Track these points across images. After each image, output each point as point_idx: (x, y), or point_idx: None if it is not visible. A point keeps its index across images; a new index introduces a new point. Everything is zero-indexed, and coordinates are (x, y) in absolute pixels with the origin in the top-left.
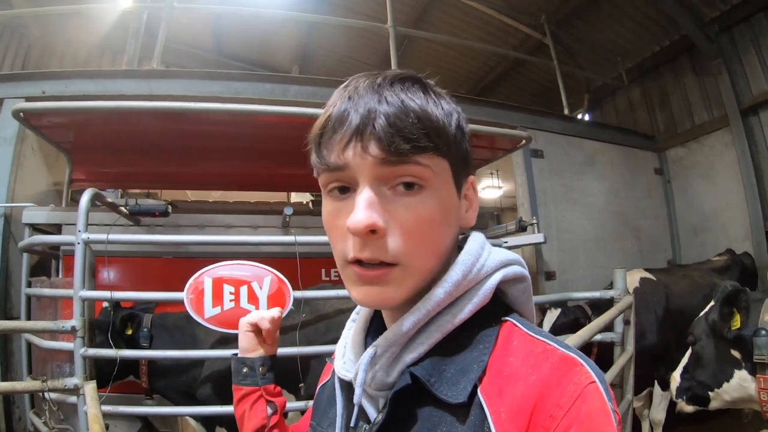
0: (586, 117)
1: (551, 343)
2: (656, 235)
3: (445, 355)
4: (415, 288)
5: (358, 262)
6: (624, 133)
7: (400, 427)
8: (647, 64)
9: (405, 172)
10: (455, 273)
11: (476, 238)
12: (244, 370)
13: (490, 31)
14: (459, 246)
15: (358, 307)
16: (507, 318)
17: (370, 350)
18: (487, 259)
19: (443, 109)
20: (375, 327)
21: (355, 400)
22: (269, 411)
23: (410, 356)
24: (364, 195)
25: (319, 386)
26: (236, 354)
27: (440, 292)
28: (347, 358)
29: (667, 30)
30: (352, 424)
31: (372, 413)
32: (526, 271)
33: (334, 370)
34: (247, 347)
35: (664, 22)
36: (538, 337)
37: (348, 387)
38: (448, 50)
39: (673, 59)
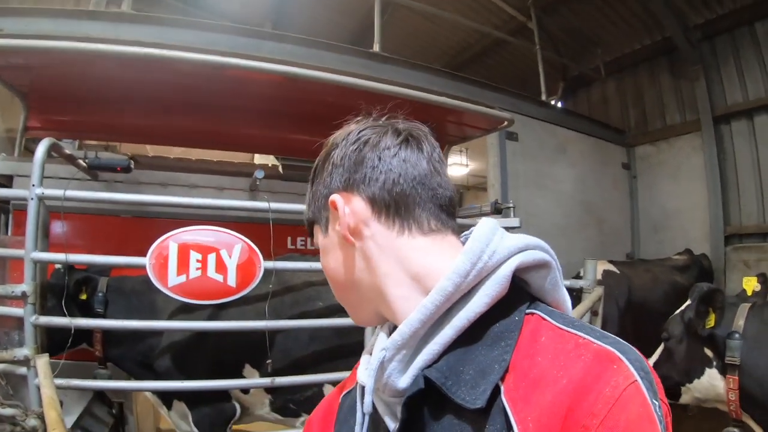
0: (559, 104)
1: (584, 335)
2: (618, 227)
3: (462, 354)
4: (354, 314)
5: None
6: (596, 125)
7: None
8: (626, 60)
9: None
10: (461, 262)
11: (485, 224)
12: None
13: (474, 8)
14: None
15: None
16: (532, 310)
17: (378, 354)
18: (498, 245)
19: (312, 181)
20: None
21: (365, 409)
22: None
23: (424, 358)
24: None
25: (342, 394)
26: None
27: (447, 284)
28: (370, 362)
29: (650, 29)
30: None
31: (390, 423)
32: (547, 257)
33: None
34: None
35: (650, 21)
36: (569, 329)
37: None
38: (428, 22)
39: (652, 58)
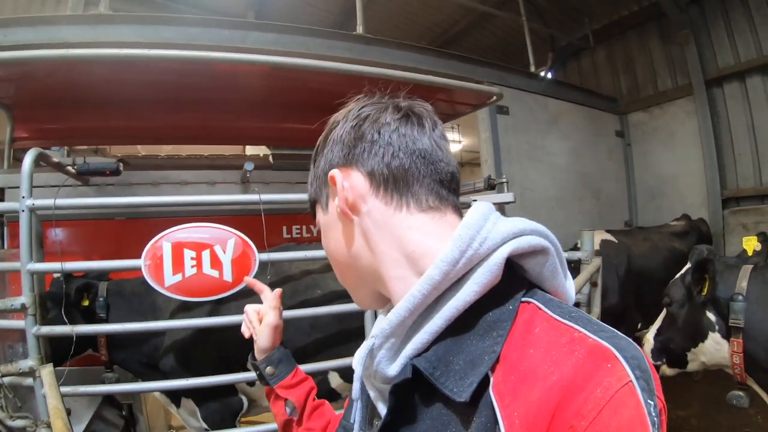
0: (549, 75)
1: (581, 329)
2: (615, 196)
3: (453, 344)
4: (355, 295)
5: None
6: (588, 94)
7: (408, 424)
8: (614, 28)
9: None
10: (450, 250)
11: (477, 209)
12: (258, 373)
13: None
14: None
15: None
16: (528, 299)
17: (368, 342)
18: (490, 232)
19: (314, 160)
20: None
21: (353, 395)
22: (287, 410)
23: (413, 347)
24: None
25: None
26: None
27: (434, 272)
28: (359, 349)
29: None
30: (357, 419)
31: (381, 409)
32: (545, 242)
33: None
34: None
35: None
36: (565, 321)
37: None
38: (413, 0)
39: (641, 25)
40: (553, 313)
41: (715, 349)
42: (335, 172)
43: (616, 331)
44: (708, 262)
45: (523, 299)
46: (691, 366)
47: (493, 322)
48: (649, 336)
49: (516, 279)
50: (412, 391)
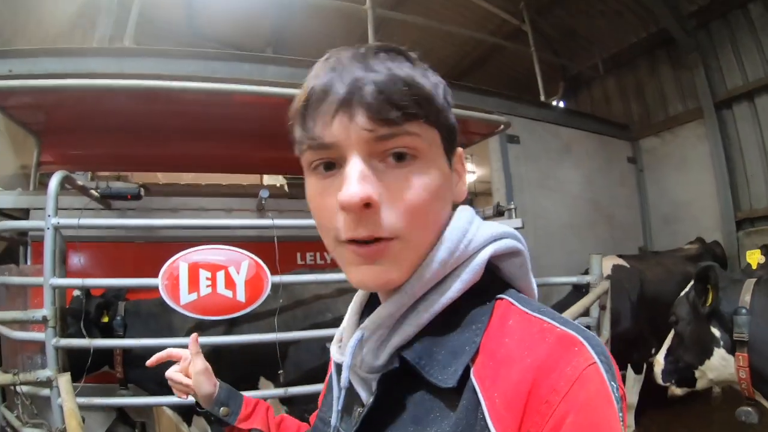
0: (561, 104)
1: (549, 320)
2: (628, 222)
3: (436, 336)
4: (414, 265)
5: (353, 240)
6: (599, 122)
7: (391, 411)
8: (624, 55)
9: (397, 144)
10: (441, 252)
11: (463, 213)
12: (213, 418)
13: (468, 16)
14: None
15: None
16: (502, 296)
17: (357, 333)
18: (475, 234)
19: (430, 79)
20: (371, 308)
21: (342, 383)
22: None
23: (398, 338)
24: (356, 167)
25: (328, 375)
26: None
27: (425, 272)
28: (343, 342)
29: (645, 22)
30: (341, 407)
31: (365, 397)
32: (520, 245)
33: None
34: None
35: (643, 13)
36: (535, 314)
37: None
38: (424, 34)
39: (649, 51)
40: (524, 307)
41: (721, 365)
42: (462, 155)
43: (579, 325)
44: (709, 270)
45: (498, 296)
46: (699, 384)
47: (473, 316)
48: (659, 357)
49: (492, 278)
50: (397, 379)
